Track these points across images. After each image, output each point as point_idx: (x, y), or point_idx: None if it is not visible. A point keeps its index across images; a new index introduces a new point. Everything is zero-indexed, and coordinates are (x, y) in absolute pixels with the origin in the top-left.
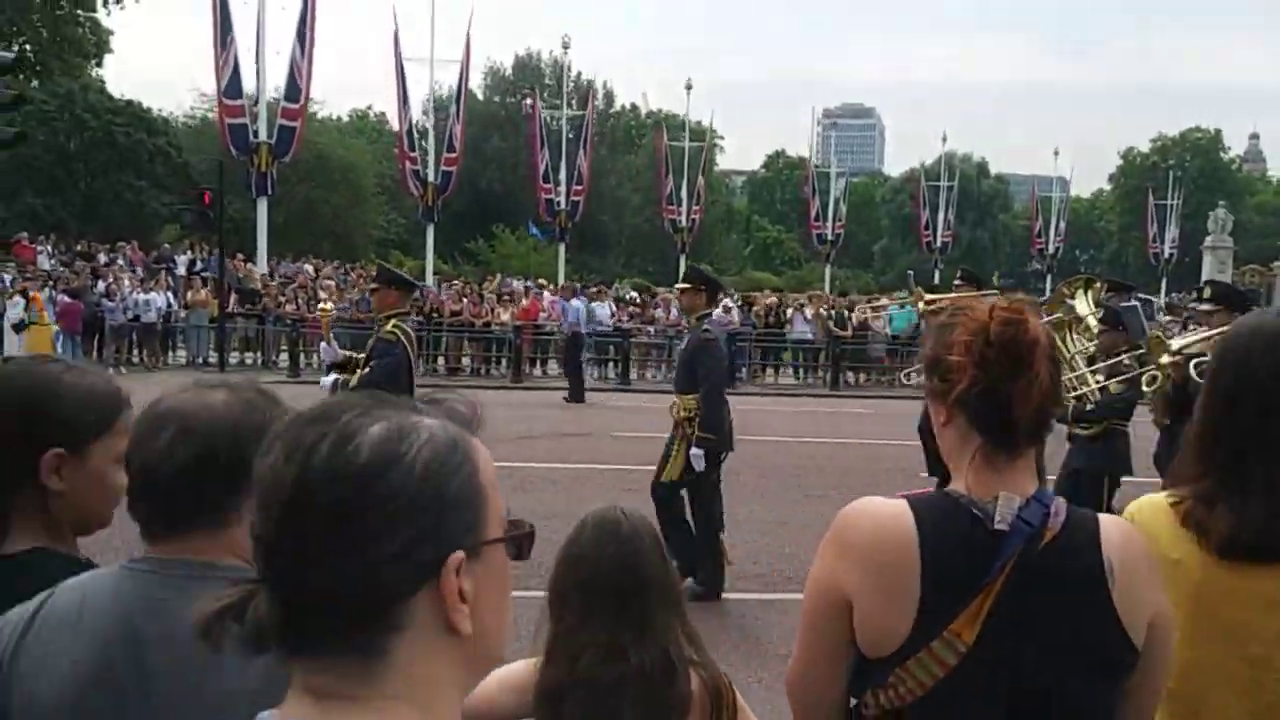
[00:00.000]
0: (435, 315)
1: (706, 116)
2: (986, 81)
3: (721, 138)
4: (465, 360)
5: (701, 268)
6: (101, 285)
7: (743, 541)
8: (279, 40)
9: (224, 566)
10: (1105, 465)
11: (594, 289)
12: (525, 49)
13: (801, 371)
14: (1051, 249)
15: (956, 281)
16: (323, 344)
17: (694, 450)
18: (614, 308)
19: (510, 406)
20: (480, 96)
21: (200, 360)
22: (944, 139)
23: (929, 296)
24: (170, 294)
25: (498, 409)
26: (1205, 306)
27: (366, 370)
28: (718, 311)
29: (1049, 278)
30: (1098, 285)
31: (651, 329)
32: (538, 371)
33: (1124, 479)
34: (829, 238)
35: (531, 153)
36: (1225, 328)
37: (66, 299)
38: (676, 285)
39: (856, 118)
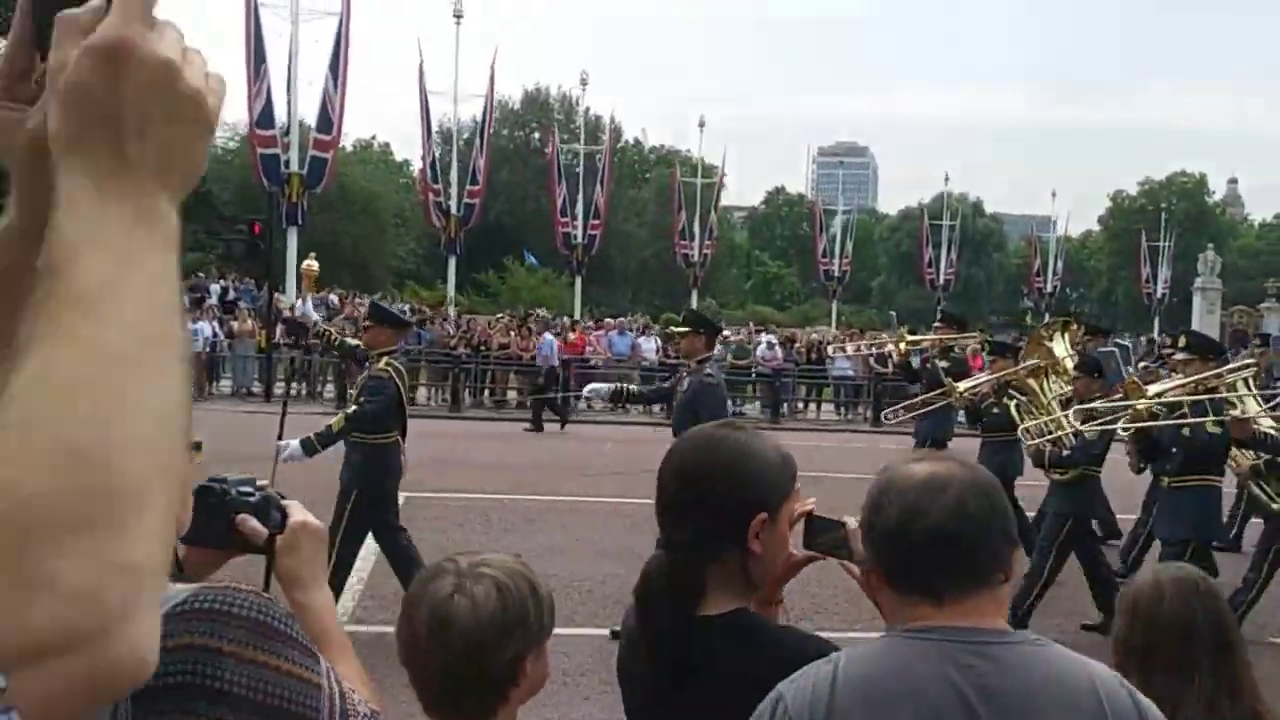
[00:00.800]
0: (483, 348)
1: (709, 152)
2: (975, 124)
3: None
4: (511, 394)
5: (701, 310)
6: None
7: None
8: (311, 71)
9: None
10: (1073, 509)
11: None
12: (535, 84)
13: (843, 408)
14: (1049, 288)
15: (936, 324)
16: (298, 300)
17: None
18: (659, 343)
19: (567, 439)
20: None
21: (245, 390)
22: (946, 179)
23: (910, 337)
24: (216, 323)
25: (558, 442)
26: (1181, 355)
27: (355, 408)
28: (761, 348)
29: (1045, 315)
30: (1074, 328)
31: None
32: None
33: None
34: (835, 274)
35: (549, 187)
36: (1202, 374)
37: None
38: (675, 329)
39: (850, 155)
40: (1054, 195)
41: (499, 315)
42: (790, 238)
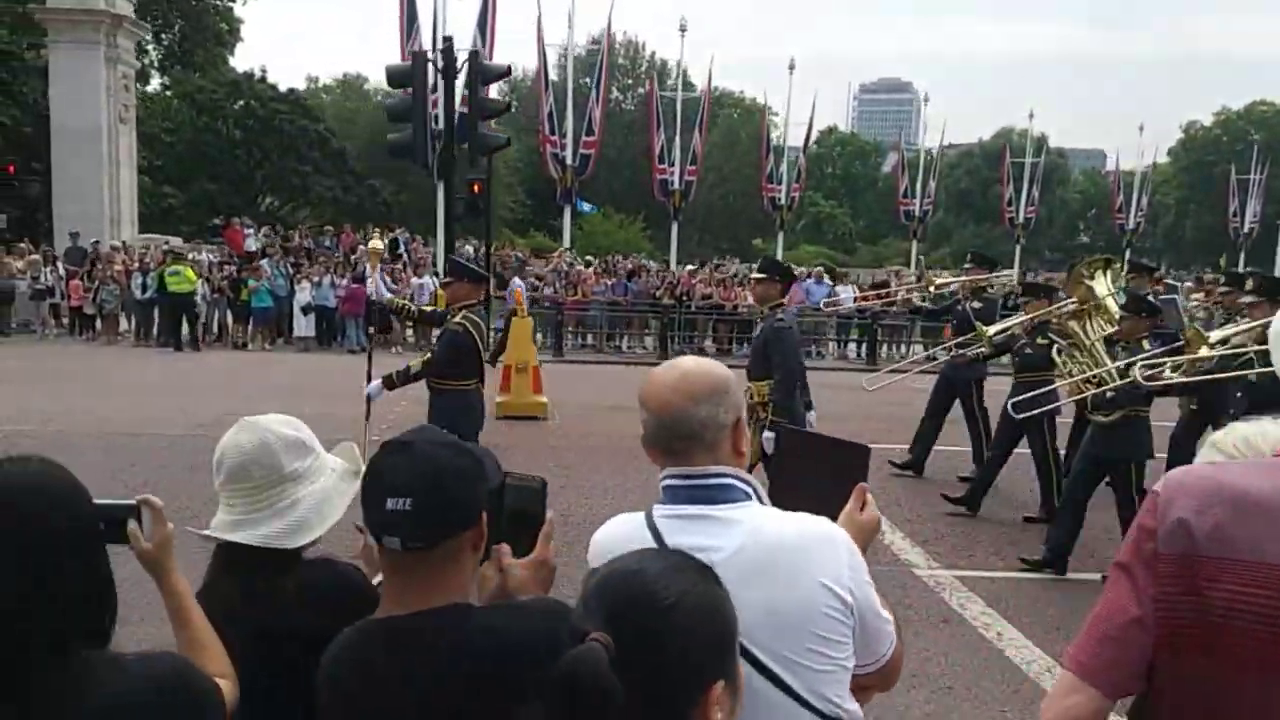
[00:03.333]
0: (685, 299)
1: (759, 93)
2: (1025, 53)
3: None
4: (708, 343)
5: (775, 258)
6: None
7: None
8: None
9: None
10: (1126, 453)
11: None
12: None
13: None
14: (1132, 223)
15: (967, 265)
16: (369, 280)
17: (767, 434)
18: (855, 291)
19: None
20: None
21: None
22: (1031, 115)
23: (939, 281)
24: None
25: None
26: (1248, 298)
27: (430, 354)
28: (845, 295)
29: (1127, 252)
30: (1116, 266)
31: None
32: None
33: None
34: (917, 214)
35: (649, 133)
36: (1268, 319)
37: (353, 285)
38: (751, 275)
39: (893, 92)
40: (1141, 129)
41: (690, 266)
42: (841, 177)
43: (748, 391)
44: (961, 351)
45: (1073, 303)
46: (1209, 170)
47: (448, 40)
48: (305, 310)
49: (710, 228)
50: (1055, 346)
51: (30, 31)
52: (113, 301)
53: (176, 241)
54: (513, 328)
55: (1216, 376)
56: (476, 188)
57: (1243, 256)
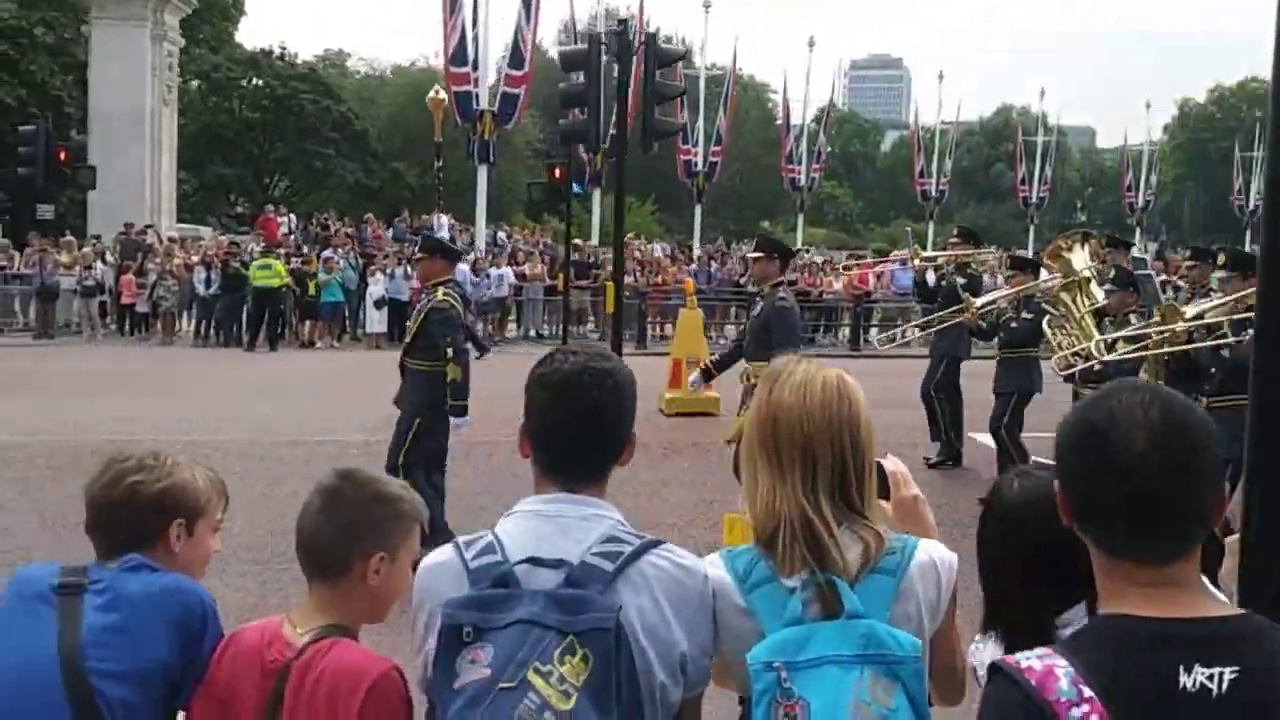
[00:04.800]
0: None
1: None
2: (1006, 31)
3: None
4: None
5: (773, 236)
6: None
7: None
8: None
9: None
10: None
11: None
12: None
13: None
14: (1141, 201)
15: (952, 240)
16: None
17: None
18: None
19: (872, 376)
20: (553, 55)
21: (534, 334)
22: (1042, 94)
23: (925, 253)
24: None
25: (884, 380)
26: (1220, 273)
27: (453, 350)
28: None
29: (1138, 230)
30: (1095, 239)
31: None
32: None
33: None
34: (933, 194)
35: (674, 114)
36: (1242, 293)
37: None
38: (750, 254)
39: (883, 68)
40: (1148, 106)
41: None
42: (840, 157)
43: (745, 374)
44: (946, 325)
45: (1058, 277)
46: (1205, 148)
47: (622, 23)
48: (379, 304)
49: (718, 210)
50: (1046, 318)
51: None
52: (170, 298)
53: (207, 231)
54: (681, 320)
55: (1189, 347)
56: (558, 172)
57: (1248, 234)
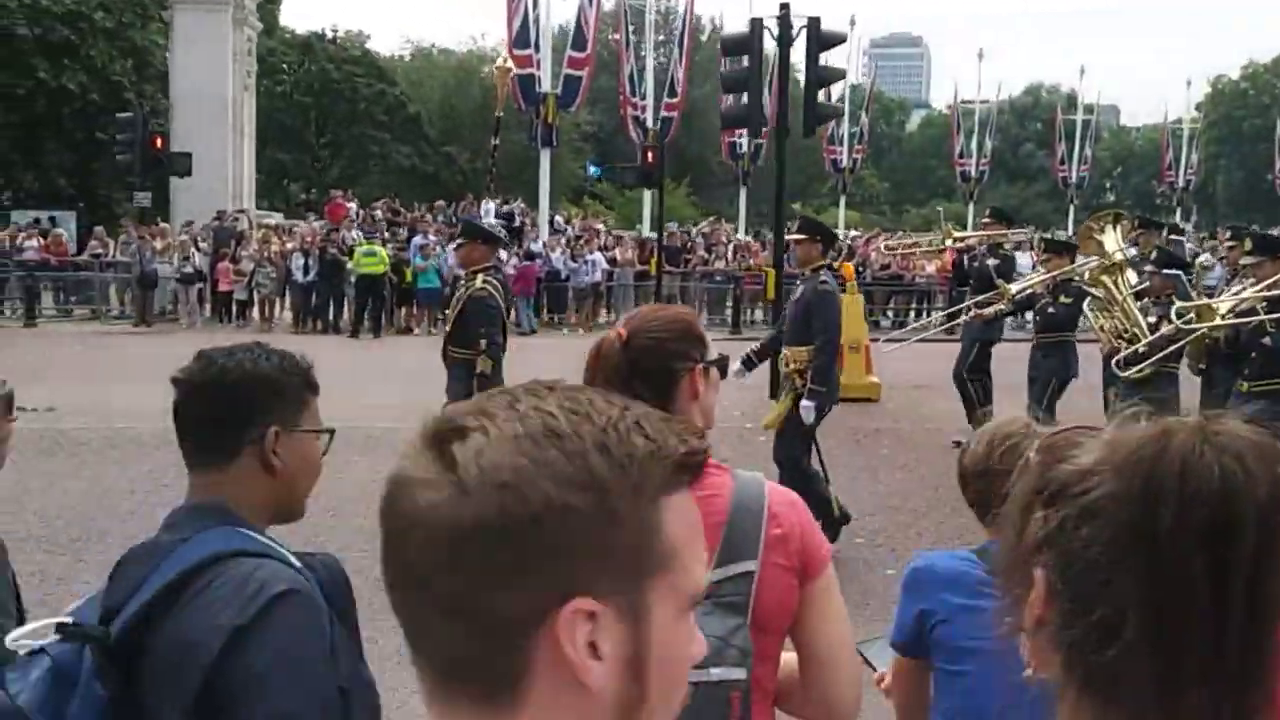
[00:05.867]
0: (861, 269)
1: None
2: (1028, 9)
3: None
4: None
5: (815, 219)
6: (538, 246)
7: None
8: None
9: None
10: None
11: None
12: None
13: None
14: (1182, 181)
15: (984, 220)
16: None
17: (805, 403)
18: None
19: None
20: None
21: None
22: (1081, 71)
23: (957, 234)
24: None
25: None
26: (1248, 259)
27: (487, 342)
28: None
29: (1177, 211)
30: (1126, 221)
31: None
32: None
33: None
34: (973, 174)
35: (719, 97)
36: (1275, 276)
37: (524, 262)
38: (790, 236)
39: (903, 46)
40: (1189, 84)
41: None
42: (869, 137)
43: (784, 359)
44: (979, 312)
45: (1094, 260)
46: (1238, 126)
47: (785, 8)
48: None
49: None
50: (1087, 300)
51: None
52: (268, 285)
53: (278, 216)
54: (844, 305)
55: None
56: (650, 155)
57: None
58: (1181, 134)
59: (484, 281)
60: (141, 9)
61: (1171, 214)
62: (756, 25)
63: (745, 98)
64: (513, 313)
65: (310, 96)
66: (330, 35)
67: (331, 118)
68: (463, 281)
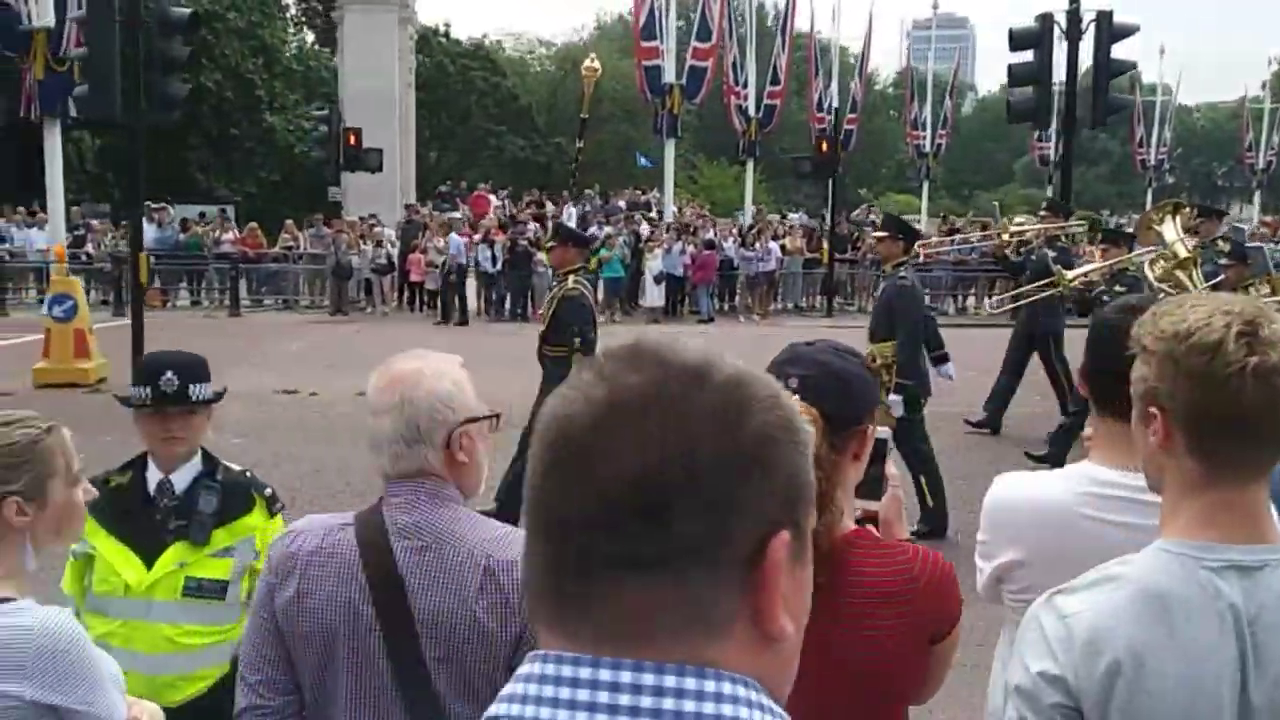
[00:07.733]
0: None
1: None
2: None
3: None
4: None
5: (898, 216)
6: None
7: None
8: None
9: None
10: None
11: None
12: None
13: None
14: (1262, 163)
15: (1042, 212)
16: None
17: (892, 397)
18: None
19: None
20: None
21: (794, 306)
22: (1161, 51)
23: (1014, 226)
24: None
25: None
26: None
27: (581, 339)
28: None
29: (1256, 194)
30: (1186, 211)
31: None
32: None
33: None
34: (1053, 159)
35: (808, 82)
36: None
37: (705, 251)
38: (874, 234)
39: (948, 28)
40: (1270, 62)
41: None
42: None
43: (869, 354)
44: (1039, 297)
45: (1152, 250)
46: None
47: (1074, 1)
48: (657, 279)
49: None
50: (1160, 297)
51: None
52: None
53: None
54: None
55: None
56: (824, 146)
57: None
58: (1262, 113)
59: (575, 282)
60: (266, 7)
61: (1238, 196)
62: (1047, 20)
63: (1032, 91)
64: (686, 301)
65: (423, 90)
66: (443, 29)
67: (445, 110)
68: (554, 282)
